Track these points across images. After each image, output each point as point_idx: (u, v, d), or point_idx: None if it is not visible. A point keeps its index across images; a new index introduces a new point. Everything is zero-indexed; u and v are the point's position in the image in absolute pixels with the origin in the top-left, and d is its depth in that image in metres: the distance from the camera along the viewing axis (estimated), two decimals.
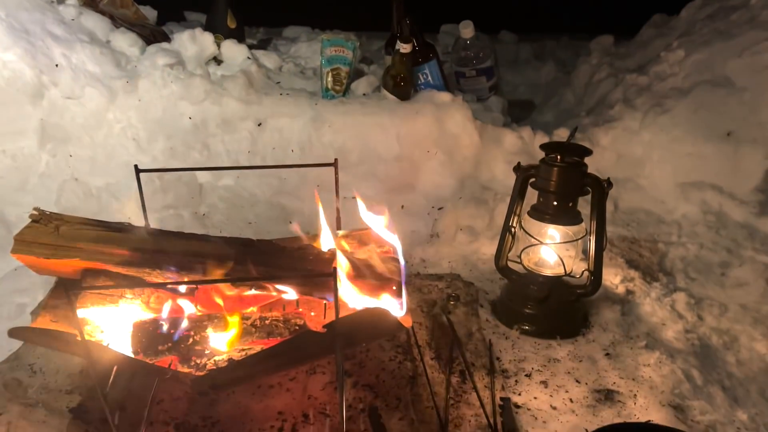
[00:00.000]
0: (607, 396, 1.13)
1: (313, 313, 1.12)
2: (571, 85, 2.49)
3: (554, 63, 2.90)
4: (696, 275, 1.57)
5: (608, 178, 1.30)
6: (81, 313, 1.03)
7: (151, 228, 1.16)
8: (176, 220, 1.75)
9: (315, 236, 1.18)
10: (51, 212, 1.05)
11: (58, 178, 1.75)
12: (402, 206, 1.87)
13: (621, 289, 1.50)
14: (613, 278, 1.54)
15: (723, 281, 1.53)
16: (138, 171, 1.13)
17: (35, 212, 1.03)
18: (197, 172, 1.84)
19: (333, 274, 0.81)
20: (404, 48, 1.84)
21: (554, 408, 1.10)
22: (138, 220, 1.76)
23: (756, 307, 1.44)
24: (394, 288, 1.00)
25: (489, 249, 1.71)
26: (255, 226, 1.82)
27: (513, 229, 1.41)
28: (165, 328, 0.99)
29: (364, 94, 1.99)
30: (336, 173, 1.20)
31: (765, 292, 1.47)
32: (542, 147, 1.34)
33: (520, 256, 1.39)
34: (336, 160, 1.20)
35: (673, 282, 1.55)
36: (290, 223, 1.88)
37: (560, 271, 1.35)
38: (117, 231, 1.03)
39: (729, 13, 1.92)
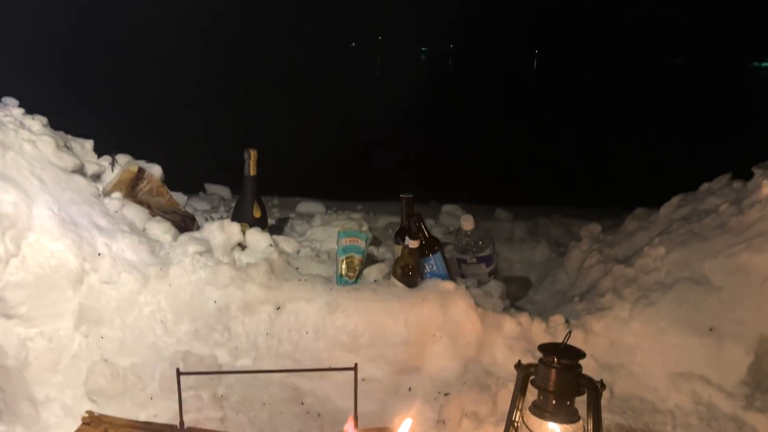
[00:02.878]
0: None
1: None
2: (565, 267, 2.69)
3: (547, 243, 3.11)
4: None
5: (601, 380, 1.43)
6: None
7: (188, 427, 1.26)
8: (196, 402, 1.85)
9: None
10: (100, 414, 1.17)
11: (88, 359, 1.87)
12: (410, 388, 1.97)
13: None
14: None
15: None
16: (179, 374, 1.25)
17: (86, 415, 1.14)
18: (217, 354, 1.96)
19: None
20: (413, 244, 2.05)
21: None
22: (158, 400, 1.88)
23: None
24: None
25: None
26: (269, 407, 1.91)
27: (516, 424, 1.51)
28: None
29: (375, 281, 2.17)
30: (356, 378, 1.33)
31: None
32: (540, 348, 1.48)
33: None
34: (356, 365, 1.33)
35: None
36: (301, 404, 1.98)
37: None
38: None
39: (702, 216, 2.16)
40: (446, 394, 1.90)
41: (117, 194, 2.20)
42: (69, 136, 2.34)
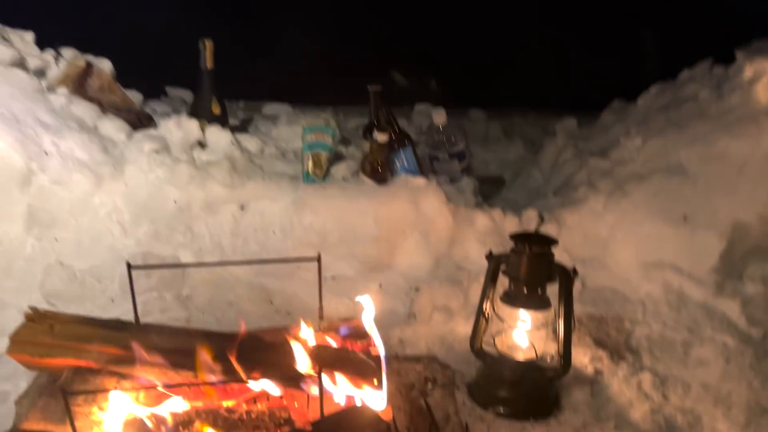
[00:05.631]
0: None
1: (296, 404, 1.16)
2: (539, 164, 2.62)
3: (522, 142, 3.05)
4: (660, 354, 1.65)
5: (574, 267, 1.40)
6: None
7: (142, 323, 1.20)
8: (159, 303, 1.79)
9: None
10: (45, 311, 1.10)
11: (42, 262, 1.78)
12: (380, 285, 1.93)
13: (590, 369, 1.57)
14: (582, 358, 1.61)
15: (685, 360, 1.61)
16: (130, 268, 1.18)
17: (29, 311, 1.07)
18: (180, 255, 1.89)
19: (318, 376, 0.87)
20: (381, 138, 1.95)
21: None
22: (120, 302, 1.82)
23: (717, 386, 1.51)
24: (375, 381, 1.06)
25: (464, 329, 1.77)
26: (236, 307, 1.86)
27: (486, 314, 1.49)
28: (152, 424, 1.03)
29: (343, 178, 2.09)
30: (319, 267, 1.27)
31: (724, 372, 1.55)
32: (512, 237, 1.43)
33: (494, 340, 1.46)
34: (319, 254, 1.27)
35: (639, 361, 1.63)
36: (271, 303, 1.94)
37: (531, 354, 1.42)
38: (109, 329, 1.08)
39: (680, 105, 2.08)
40: (417, 289, 1.87)
41: (63, 90, 2.05)
42: (7, 28, 2.15)
